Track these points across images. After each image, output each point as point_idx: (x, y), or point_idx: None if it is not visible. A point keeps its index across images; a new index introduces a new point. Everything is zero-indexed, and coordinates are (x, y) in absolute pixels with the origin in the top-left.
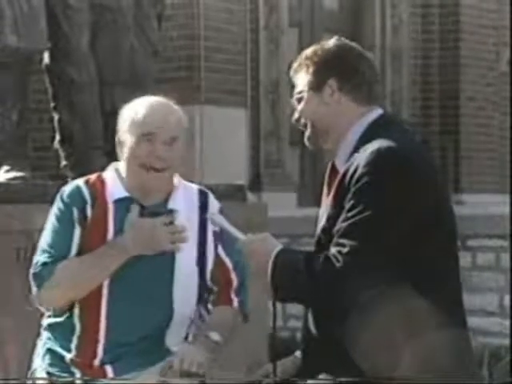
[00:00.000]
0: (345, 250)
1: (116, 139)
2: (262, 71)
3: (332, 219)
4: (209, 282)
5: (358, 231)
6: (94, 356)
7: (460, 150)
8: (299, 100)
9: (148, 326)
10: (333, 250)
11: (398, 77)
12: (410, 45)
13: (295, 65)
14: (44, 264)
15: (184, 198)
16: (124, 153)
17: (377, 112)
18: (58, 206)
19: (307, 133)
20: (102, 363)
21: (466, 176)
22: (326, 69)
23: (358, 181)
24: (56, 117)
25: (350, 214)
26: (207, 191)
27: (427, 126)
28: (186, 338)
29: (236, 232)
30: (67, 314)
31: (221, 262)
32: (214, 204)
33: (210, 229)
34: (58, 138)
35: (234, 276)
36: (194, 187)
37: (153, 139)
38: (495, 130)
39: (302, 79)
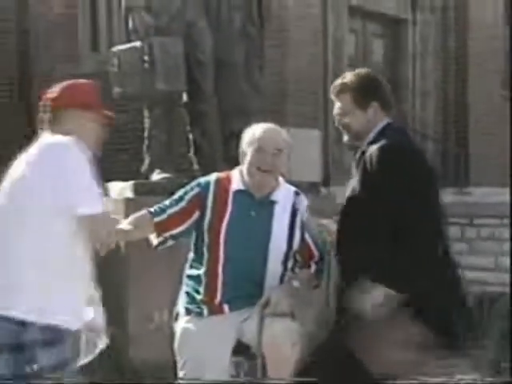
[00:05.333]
0: None
1: (239, 151)
2: (329, 103)
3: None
4: (296, 256)
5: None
6: (215, 297)
7: (469, 156)
8: (344, 113)
9: (251, 278)
10: None
11: (424, 112)
12: (434, 87)
13: (338, 87)
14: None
15: (283, 193)
16: (245, 160)
17: (386, 121)
18: (191, 184)
19: (348, 136)
20: (221, 303)
21: (473, 174)
22: (369, 93)
23: (370, 164)
24: (191, 136)
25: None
26: (300, 192)
27: (445, 141)
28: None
29: None
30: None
31: (306, 244)
32: (303, 201)
33: (299, 217)
34: (192, 150)
35: (315, 253)
36: (292, 188)
37: (263, 151)
38: (497, 141)
39: (345, 99)
